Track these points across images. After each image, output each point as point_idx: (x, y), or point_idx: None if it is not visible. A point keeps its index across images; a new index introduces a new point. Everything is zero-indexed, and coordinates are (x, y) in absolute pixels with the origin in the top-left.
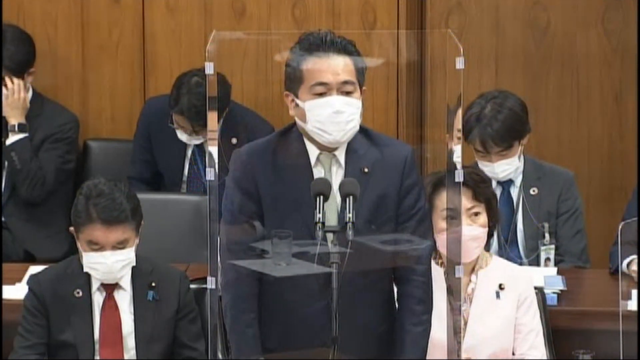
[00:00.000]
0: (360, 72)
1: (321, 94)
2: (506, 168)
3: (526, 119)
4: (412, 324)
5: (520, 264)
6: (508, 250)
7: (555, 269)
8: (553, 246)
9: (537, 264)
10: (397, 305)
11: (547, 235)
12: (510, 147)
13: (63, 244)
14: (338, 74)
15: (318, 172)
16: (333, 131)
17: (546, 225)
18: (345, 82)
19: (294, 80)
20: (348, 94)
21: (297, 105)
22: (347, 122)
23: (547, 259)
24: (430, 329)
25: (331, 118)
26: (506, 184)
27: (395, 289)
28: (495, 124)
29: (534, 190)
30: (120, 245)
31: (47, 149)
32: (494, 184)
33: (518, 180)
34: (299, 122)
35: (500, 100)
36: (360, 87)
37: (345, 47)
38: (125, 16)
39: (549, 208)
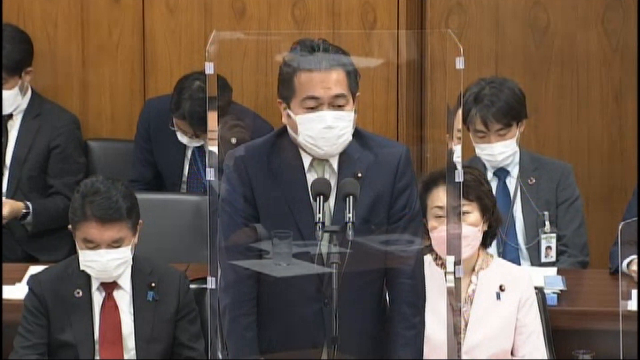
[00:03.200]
0: (353, 82)
1: (313, 108)
2: (504, 150)
3: (524, 102)
4: (404, 328)
5: (518, 252)
6: (505, 239)
7: (555, 269)
8: (554, 234)
9: (538, 252)
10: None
11: (547, 223)
12: (509, 126)
13: (64, 246)
14: (329, 88)
15: (312, 178)
16: (324, 146)
17: (546, 213)
18: (337, 96)
19: (286, 91)
20: (340, 107)
21: (289, 115)
22: (339, 136)
23: (548, 247)
24: (423, 330)
25: (322, 133)
26: (502, 174)
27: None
28: (497, 102)
29: (531, 180)
30: (116, 243)
31: (57, 160)
32: (489, 175)
33: (514, 171)
34: (291, 132)
35: (500, 81)
36: (354, 95)
37: (338, 58)
38: (125, 16)
39: (547, 197)
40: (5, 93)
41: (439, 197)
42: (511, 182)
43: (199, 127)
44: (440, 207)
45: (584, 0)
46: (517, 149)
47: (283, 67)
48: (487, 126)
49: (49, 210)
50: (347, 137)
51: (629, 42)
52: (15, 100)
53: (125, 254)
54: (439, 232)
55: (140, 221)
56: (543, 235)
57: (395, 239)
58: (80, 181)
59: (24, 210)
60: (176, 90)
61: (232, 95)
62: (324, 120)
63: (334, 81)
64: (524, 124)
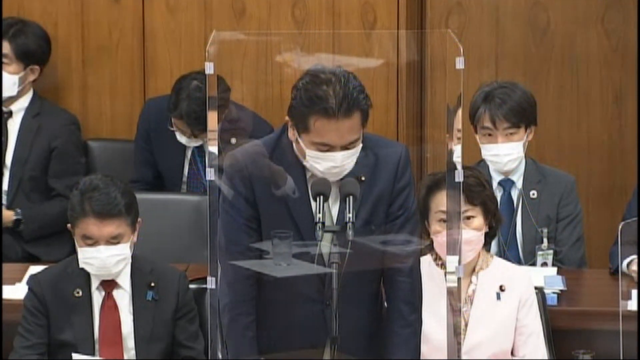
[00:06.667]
0: (366, 117)
1: (324, 150)
2: (511, 152)
3: (535, 107)
4: (400, 327)
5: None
6: (507, 252)
7: (555, 269)
8: (551, 252)
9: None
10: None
11: (545, 240)
12: (517, 127)
13: (64, 246)
14: (344, 137)
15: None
16: (330, 177)
17: (545, 230)
18: (350, 142)
19: (299, 123)
20: (352, 144)
21: (298, 141)
22: (345, 170)
23: (544, 264)
24: (420, 329)
25: (330, 169)
26: (507, 184)
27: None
28: (508, 101)
29: (533, 194)
30: (115, 240)
31: (57, 160)
32: (494, 184)
33: (519, 182)
34: (297, 153)
35: (512, 83)
36: (364, 126)
37: (356, 103)
38: (125, 16)
39: (548, 212)
40: (5, 75)
41: (443, 201)
42: (515, 194)
43: (196, 127)
44: (445, 212)
45: (584, 0)
46: (523, 155)
47: (297, 100)
48: (494, 124)
49: (41, 216)
50: (352, 165)
51: (629, 42)
52: (12, 88)
53: (124, 250)
54: (442, 237)
55: (139, 219)
56: (540, 252)
57: (392, 238)
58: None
59: (14, 217)
60: (174, 90)
61: (232, 95)
62: (334, 160)
63: (348, 129)
64: (532, 132)
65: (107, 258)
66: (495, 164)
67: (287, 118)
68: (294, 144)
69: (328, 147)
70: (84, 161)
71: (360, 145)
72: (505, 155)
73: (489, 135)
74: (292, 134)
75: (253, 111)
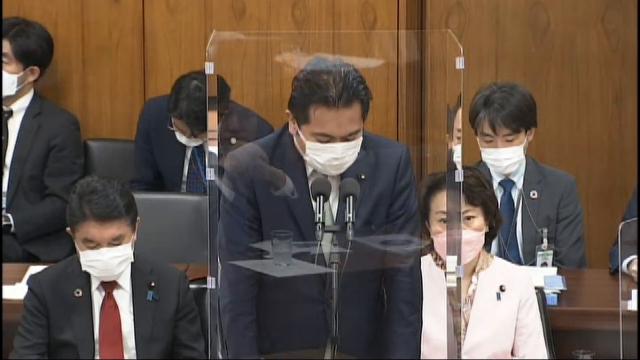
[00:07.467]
0: (366, 108)
1: (324, 141)
2: (510, 156)
3: (535, 109)
4: (400, 326)
5: (519, 263)
6: (507, 252)
7: (555, 269)
8: (551, 252)
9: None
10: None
11: (545, 240)
12: (517, 132)
13: (64, 246)
14: (344, 127)
15: (313, 179)
16: (330, 170)
17: (545, 230)
18: (350, 133)
19: (299, 114)
20: (352, 135)
21: (298, 133)
22: (346, 163)
23: (544, 264)
24: (420, 328)
25: (331, 162)
26: (507, 185)
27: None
28: (507, 106)
29: (534, 194)
30: (116, 241)
31: (55, 159)
32: (495, 184)
33: (519, 183)
34: (298, 147)
35: (511, 86)
36: (364, 119)
37: (355, 89)
38: (125, 16)
39: (548, 213)
40: (4, 74)
41: (443, 201)
42: (516, 194)
43: (196, 127)
44: (445, 212)
45: (584, 0)
46: (523, 157)
47: (297, 90)
48: (494, 130)
49: (35, 219)
50: (353, 159)
51: (629, 42)
52: (10, 87)
53: (126, 251)
54: (443, 237)
55: (139, 218)
56: (539, 252)
57: (393, 238)
58: (76, 182)
59: (4, 223)
60: (174, 90)
61: (231, 95)
62: (335, 152)
63: (348, 119)
64: (532, 132)
65: (109, 260)
66: (496, 167)
67: (287, 111)
68: (294, 138)
69: (328, 138)
70: (81, 162)
71: (361, 138)
72: (506, 159)
73: (489, 141)
74: (292, 127)
75: (253, 111)
